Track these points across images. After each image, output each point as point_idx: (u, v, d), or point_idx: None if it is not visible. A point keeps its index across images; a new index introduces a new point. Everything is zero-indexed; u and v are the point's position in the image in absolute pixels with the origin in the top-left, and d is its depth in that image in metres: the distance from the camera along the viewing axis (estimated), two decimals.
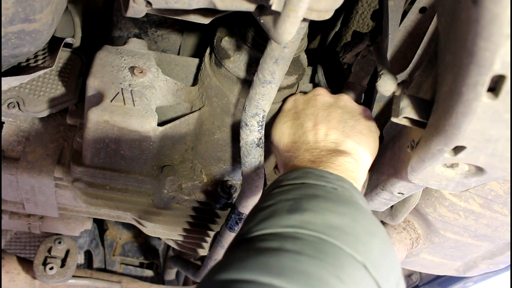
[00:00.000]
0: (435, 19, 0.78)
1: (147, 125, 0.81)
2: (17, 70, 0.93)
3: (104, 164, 0.89)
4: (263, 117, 0.76)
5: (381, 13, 0.82)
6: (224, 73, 0.82)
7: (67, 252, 1.33)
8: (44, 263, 1.29)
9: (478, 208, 1.00)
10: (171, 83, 0.87)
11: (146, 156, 0.87)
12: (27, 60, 0.95)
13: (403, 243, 1.12)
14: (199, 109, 0.88)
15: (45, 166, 1.01)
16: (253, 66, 0.81)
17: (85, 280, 1.38)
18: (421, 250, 1.15)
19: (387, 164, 0.76)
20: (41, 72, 0.93)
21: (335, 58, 0.97)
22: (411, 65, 0.83)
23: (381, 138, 0.79)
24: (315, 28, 1.04)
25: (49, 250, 1.31)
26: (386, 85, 0.63)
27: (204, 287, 0.50)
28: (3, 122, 1.01)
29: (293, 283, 0.44)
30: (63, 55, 1.00)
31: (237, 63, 0.81)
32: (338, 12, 0.75)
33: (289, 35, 0.57)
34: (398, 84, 0.63)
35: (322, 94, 0.81)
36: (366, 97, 0.93)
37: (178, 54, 1.04)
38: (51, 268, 1.28)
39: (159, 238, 1.83)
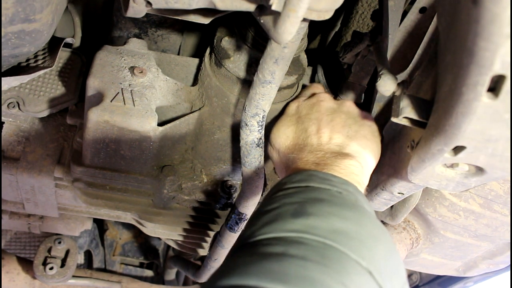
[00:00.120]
0: (435, 19, 0.78)
1: (147, 125, 0.81)
2: (17, 70, 0.93)
3: (104, 164, 0.89)
4: (263, 117, 0.76)
5: (381, 13, 0.82)
6: (224, 73, 0.82)
7: (67, 252, 1.33)
8: (44, 263, 1.29)
9: (478, 208, 1.00)
10: (171, 83, 0.87)
11: (146, 156, 0.87)
12: (27, 60, 0.95)
13: (403, 243, 1.12)
14: (199, 109, 0.88)
15: (45, 166, 1.01)
16: (253, 66, 0.81)
17: (85, 280, 1.38)
18: (421, 250, 1.15)
19: (387, 164, 0.76)
20: (41, 72, 0.93)
21: (335, 58, 0.97)
22: (411, 65, 0.82)
23: (381, 139, 0.79)
24: (315, 28, 1.04)
25: (49, 250, 1.31)
26: (386, 85, 0.63)
27: None
28: (3, 122, 1.01)
29: None
30: (63, 55, 1.00)
31: (237, 63, 0.81)
32: (338, 12, 0.75)
33: (289, 35, 0.57)
34: (398, 84, 0.63)
35: (326, 100, 0.81)
36: (366, 97, 0.93)
37: (178, 54, 1.04)
38: (51, 268, 1.28)
39: (159, 238, 1.83)
